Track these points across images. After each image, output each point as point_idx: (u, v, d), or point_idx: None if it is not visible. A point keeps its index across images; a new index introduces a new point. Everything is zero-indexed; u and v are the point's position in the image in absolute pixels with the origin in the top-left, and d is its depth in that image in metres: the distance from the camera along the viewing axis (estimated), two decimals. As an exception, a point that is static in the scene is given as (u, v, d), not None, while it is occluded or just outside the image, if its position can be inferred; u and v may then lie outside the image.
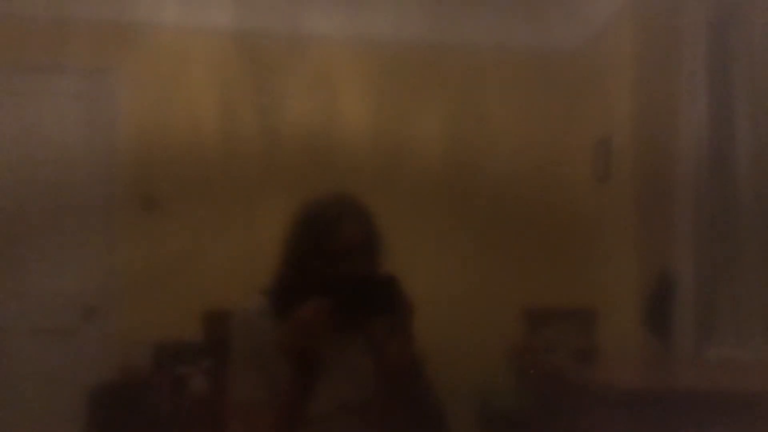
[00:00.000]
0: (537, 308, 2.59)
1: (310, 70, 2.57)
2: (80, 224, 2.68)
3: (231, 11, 2.61)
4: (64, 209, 2.67)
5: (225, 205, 2.56)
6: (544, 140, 2.74)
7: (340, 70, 2.58)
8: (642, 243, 2.63)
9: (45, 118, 2.68)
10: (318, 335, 1.27)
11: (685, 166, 2.42)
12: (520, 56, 2.75)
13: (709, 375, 2.17)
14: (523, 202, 2.63)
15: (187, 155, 2.57)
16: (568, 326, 2.54)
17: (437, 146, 2.61)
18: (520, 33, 2.73)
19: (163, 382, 2.38)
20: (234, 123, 2.53)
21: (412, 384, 1.34)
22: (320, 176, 2.43)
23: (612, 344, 2.53)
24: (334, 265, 1.33)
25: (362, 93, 2.59)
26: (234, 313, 1.41)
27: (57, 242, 2.62)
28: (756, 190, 2.30)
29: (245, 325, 1.39)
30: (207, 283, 2.41)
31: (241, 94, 2.55)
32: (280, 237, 1.36)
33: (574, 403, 2.14)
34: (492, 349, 2.40)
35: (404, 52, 2.67)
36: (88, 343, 2.68)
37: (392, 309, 1.29)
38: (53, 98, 2.72)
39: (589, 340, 2.50)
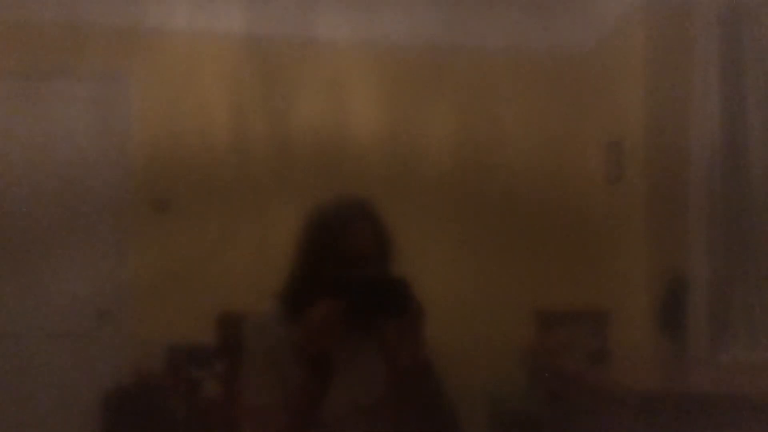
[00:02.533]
0: (549, 310, 2.59)
1: (322, 73, 2.57)
2: (93, 228, 2.70)
3: (242, 16, 2.62)
4: (77, 213, 2.68)
5: (237, 208, 2.57)
6: (556, 142, 2.74)
7: (351, 74, 2.58)
8: (655, 244, 2.62)
9: (58, 122, 2.70)
10: (330, 337, 1.27)
11: (698, 167, 2.41)
12: (532, 58, 2.75)
13: (723, 377, 2.16)
14: (535, 204, 2.63)
15: (199, 159, 2.58)
16: (581, 328, 2.53)
17: (449, 149, 2.61)
18: (532, 35, 2.73)
19: (177, 385, 2.39)
20: (246, 127, 2.54)
21: (423, 386, 1.35)
22: (332, 180, 2.43)
23: (625, 346, 2.52)
24: (346, 269, 1.34)
25: (374, 96, 2.59)
26: (247, 316, 1.42)
27: (70, 246, 2.63)
28: (769, 190, 2.29)
29: (258, 329, 1.40)
30: (220, 286, 2.42)
31: (252, 98, 2.56)
32: (293, 240, 1.37)
33: (586, 405, 2.14)
34: (504, 351, 2.40)
35: (416, 55, 2.67)
36: (101, 347, 2.69)
37: (402, 311, 1.29)
38: (66, 103, 2.74)
39: (602, 342, 2.50)
